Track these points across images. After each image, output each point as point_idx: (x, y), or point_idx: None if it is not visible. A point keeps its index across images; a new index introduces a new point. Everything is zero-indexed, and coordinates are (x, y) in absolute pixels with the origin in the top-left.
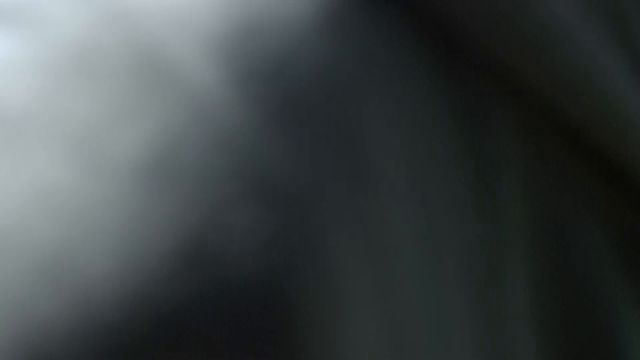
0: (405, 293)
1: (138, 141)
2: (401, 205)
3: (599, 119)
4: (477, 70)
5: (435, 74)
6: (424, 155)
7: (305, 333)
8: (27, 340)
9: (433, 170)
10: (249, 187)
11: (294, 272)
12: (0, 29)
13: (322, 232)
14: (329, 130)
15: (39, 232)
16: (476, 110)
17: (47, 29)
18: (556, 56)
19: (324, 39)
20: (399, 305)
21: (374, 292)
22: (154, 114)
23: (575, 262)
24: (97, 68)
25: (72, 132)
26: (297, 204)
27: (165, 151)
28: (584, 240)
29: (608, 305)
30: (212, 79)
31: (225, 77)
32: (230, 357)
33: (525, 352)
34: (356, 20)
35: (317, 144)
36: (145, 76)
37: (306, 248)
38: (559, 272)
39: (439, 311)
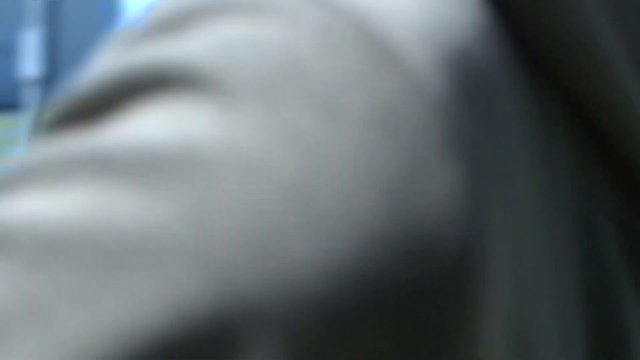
0: (529, 268)
1: (366, 100)
2: (525, 189)
3: (625, 130)
4: (548, 88)
5: (525, 83)
6: (525, 143)
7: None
8: (260, 239)
9: (531, 153)
10: (446, 141)
11: (482, 226)
12: (251, 17)
13: (494, 194)
14: (496, 111)
15: (287, 162)
16: (547, 119)
17: (288, 18)
18: (599, 74)
19: (485, 43)
20: (525, 274)
21: (512, 260)
22: (379, 81)
23: (597, 246)
24: (333, 44)
25: (316, 90)
26: (479, 162)
27: (386, 109)
28: (603, 230)
29: (617, 287)
30: (422, 60)
31: (432, 59)
32: (424, 297)
33: (573, 320)
34: (493, 33)
35: (491, 120)
36: (372, 53)
37: (485, 207)
38: (587, 254)
39: (549, 277)
